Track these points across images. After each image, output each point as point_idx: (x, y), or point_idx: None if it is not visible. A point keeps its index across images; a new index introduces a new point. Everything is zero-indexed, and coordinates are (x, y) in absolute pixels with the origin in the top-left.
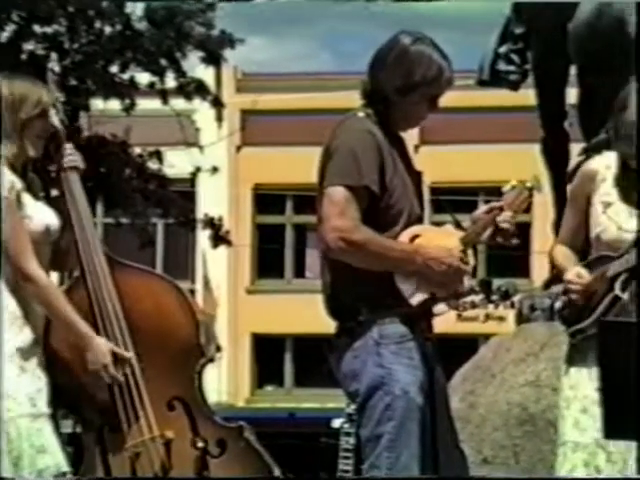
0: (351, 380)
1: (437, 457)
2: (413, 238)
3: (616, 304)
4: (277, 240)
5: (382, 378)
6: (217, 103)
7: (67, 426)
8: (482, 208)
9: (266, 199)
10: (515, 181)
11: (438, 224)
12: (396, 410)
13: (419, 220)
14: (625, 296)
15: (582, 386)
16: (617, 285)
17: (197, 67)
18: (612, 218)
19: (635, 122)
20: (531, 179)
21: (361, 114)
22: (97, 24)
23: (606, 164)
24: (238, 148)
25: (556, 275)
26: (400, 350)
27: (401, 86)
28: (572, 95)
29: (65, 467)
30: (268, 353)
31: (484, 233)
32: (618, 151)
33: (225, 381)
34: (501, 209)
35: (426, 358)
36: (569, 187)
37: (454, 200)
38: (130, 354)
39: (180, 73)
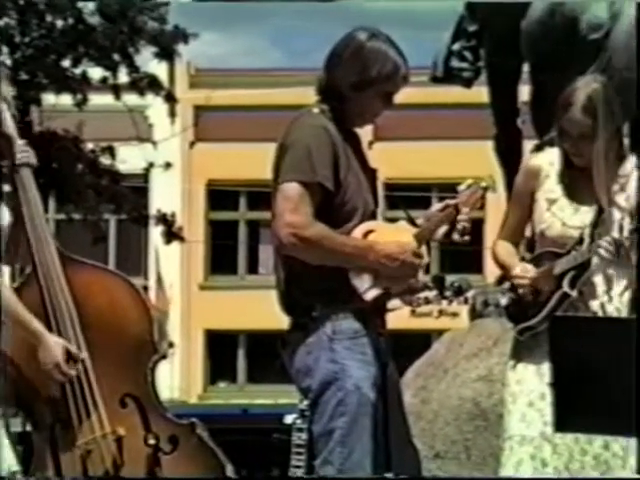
0: (304, 376)
1: (389, 452)
2: (367, 234)
3: (564, 301)
4: (230, 236)
5: (335, 374)
6: (170, 98)
7: (16, 425)
8: (437, 205)
9: (219, 195)
10: (470, 180)
11: (392, 220)
12: (348, 405)
13: (373, 216)
14: (574, 293)
15: (528, 381)
16: (565, 282)
17: (150, 62)
18: (556, 214)
19: (579, 120)
20: (486, 178)
21: (316, 110)
22: (48, 18)
23: (549, 160)
24: (191, 144)
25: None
26: (353, 346)
27: (357, 82)
28: (525, 93)
29: (15, 466)
30: (221, 349)
31: (438, 230)
32: (562, 148)
33: (178, 377)
34: (456, 207)
35: (379, 354)
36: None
37: (408, 196)
38: (84, 353)
39: (133, 68)
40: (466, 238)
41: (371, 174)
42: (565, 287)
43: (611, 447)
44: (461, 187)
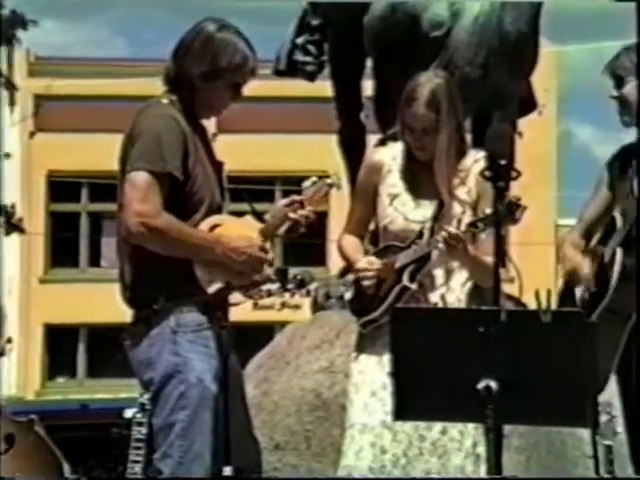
0: (146, 368)
1: (229, 445)
2: (213, 227)
3: (404, 294)
4: (72, 228)
5: (177, 366)
6: (9, 86)
7: None
8: (282, 201)
9: (60, 186)
10: (315, 177)
11: (236, 214)
12: (190, 399)
13: (219, 209)
14: (413, 286)
15: (371, 371)
16: (405, 276)
17: None
18: (398, 209)
19: (423, 115)
20: (331, 175)
21: (165, 100)
22: None
23: (392, 155)
24: (31, 134)
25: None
26: (197, 338)
27: (206, 72)
28: (368, 87)
29: None
30: (61, 344)
31: (282, 226)
32: (405, 142)
33: (15, 374)
34: (301, 203)
35: (222, 346)
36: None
37: (251, 189)
38: None
39: None
40: (301, 230)
41: (217, 167)
42: (405, 280)
43: (449, 432)
44: (306, 183)
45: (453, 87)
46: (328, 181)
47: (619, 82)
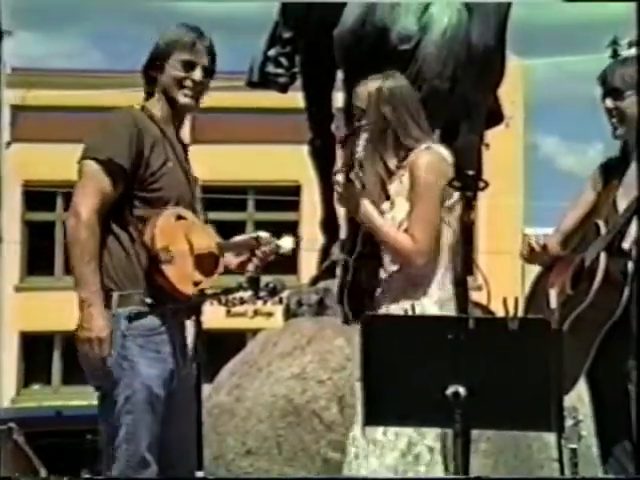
0: None
1: (201, 450)
2: (179, 218)
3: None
4: (47, 237)
5: (124, 371)
6: None
7: None
8: (239, 237)
9: (36, 196)
10: (269, 237)
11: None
12: (135, 404)
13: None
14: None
15: None
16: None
17: None
18: (387, 212)
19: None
20: (284, 244)
21: (137, 106)
22: None
23: None
24: (8, 144)
25: (323, 272)
26: (147, 343)
27: (153, 58)
28: (339, 99)
29: None
30: (37, 351)
31: (239, 254)
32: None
33: None
34: (258, 241)
35: (184, 352)
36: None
37: (224, 199)
38: None
39: None
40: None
41: (195, 182)
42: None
43: (387, 433)
44: (264, 235)
45: (397, 92)
46: (281, 250)
47: (616, 95)
